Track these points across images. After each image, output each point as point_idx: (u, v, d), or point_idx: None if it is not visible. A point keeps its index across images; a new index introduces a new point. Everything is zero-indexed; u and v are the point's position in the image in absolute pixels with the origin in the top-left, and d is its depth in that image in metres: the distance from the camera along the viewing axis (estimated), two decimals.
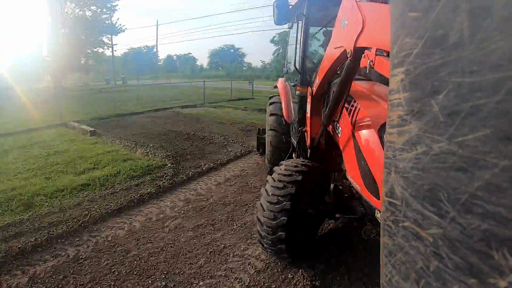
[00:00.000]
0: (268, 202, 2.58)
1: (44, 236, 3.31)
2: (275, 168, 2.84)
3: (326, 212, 2.96)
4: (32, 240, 3.23)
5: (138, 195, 4.41)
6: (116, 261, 2.95)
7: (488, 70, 0.33)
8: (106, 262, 2.93)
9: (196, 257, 3.00)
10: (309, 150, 3.38)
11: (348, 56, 1.74)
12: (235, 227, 3.56)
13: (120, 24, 28.13)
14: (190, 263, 2.92)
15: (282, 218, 2.50)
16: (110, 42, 29.44)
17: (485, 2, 0.33)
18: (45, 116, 10.53)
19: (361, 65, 1.86)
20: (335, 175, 3.06)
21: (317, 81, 2.76)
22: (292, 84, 3.95)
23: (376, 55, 1.83)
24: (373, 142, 2.02)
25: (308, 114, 3.21)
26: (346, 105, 2.55)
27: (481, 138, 0.35)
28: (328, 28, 3.46)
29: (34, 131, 8.54)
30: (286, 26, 4.59)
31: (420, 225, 0.44)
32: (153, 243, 3.23)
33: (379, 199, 1.93)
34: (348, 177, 2.52)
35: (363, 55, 1.78)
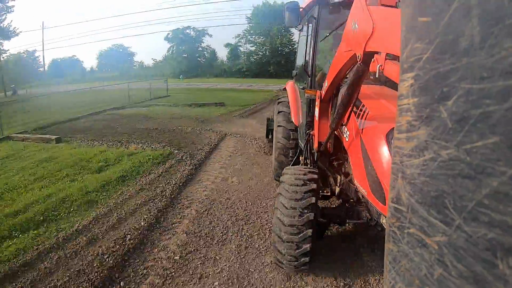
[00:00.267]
0: (288, 216, 2.43)
1: (151, 214, 4.17)
2: (283, 178, 2.75)
3: (335, 218, 2.91)
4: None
5: (186, 171, 5.68)
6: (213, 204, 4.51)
7: (498, 77, 0.33)
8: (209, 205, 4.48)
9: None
10: (316, 154, 3.37)
11: (358, 60, 1.73)
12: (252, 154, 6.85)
13: (15, 27, 24.53)
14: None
15: (307, 230, 2.40)
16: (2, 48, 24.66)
17: (496, 8, 0.33)
18: None
19: (371, 69, 1.85)
20: (341, 179, 3.04)
21: (326, 85, 2.75)
22: (301, 87, 3.95)
23: (385, 59, 1.82)
24: (381, 147, 2.00)
25: (317, 118, 3.20)
26: (354, 109, 2.53)
27: (490, 146, 0.34)
28: (338, 32, 3.46)
29: None
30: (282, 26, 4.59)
31: (425, 232, 0.43)
32: (228, 191, 4.91)
33: (385, 204, 1.91)
34: (355, 181, 2.50)
35: (372, 59, 1.77)
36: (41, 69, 53.27)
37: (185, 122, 10.66)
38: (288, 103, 4.44)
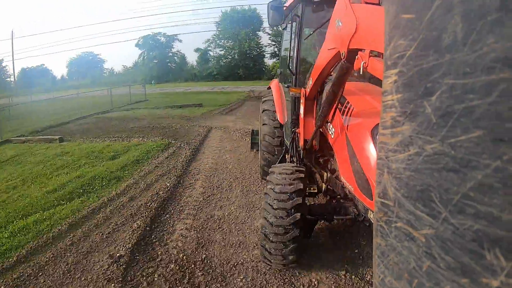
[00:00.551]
0: (275, 217, 2.42)
1: (172, 179, 5.51)
2: (270, 177, 2.74)
3: (322, 215, 2.93)
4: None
5: (188, 153, 6.96)
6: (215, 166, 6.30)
7: (481, 72, 0.34)
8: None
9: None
10: (302, 152, 3.39)
11: (342, 57, 1.75)
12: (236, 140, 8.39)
13: None
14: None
15: (295, 230, 2.40)
16: None
17: (479, 5, 0.33)
18: None
19: (355, 67, 1.87)
20: (328, 176, 3.08)
21: (310, 83, 2.77)
22: (286, 85, 3.96)
23: (369, 56, 1.84)
24: (366, 143, 2.04)
25: (302, 115, 3.22)
26: (339, 106, 2.56)
27: (474, 139, 0.35)
28: (322, 30, 3.49)
29: None
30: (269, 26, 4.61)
31: (412, 226, 0.44)
32: (225, 163, 6.49)
33: (372, 199, 1.94)
34: (341, 178, 2.53)
35: (356, 56, 1.79)
36: (8, 79, 53.10)
37: (172, 120, 11.79)
38: (273, 101, 4.45)
